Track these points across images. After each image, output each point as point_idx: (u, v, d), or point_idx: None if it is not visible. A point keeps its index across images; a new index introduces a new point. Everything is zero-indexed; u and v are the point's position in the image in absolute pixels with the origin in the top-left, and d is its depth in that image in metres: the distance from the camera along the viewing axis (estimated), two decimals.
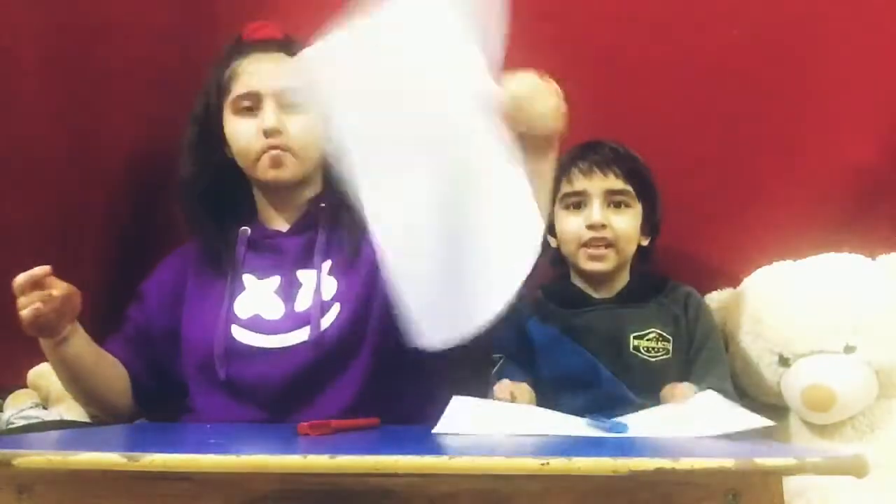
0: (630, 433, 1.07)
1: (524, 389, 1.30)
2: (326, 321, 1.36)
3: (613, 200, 1.44)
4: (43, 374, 1.62)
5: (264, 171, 1.40)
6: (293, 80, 1.25)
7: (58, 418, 1.51)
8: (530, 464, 0.76)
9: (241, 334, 1.37)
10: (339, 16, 1.54)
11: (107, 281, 1.68)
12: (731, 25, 1.61)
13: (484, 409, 1.19)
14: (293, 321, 1.36)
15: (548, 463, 0.75)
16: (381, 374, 1.36)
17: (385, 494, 0.80)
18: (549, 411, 1.23)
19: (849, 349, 1.44)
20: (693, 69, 1.61)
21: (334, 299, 1.37)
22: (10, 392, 1.60)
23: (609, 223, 1.43)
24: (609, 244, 1.43)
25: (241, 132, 1.40)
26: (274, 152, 1.38)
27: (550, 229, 1.50)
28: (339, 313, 1.36)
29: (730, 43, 1.61)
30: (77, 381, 1.39)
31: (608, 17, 1.62)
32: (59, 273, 1.43)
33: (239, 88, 1.40)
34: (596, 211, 1.43)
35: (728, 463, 0.76)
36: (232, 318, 1.37)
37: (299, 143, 1.39)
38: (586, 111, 1.60)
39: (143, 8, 1.64)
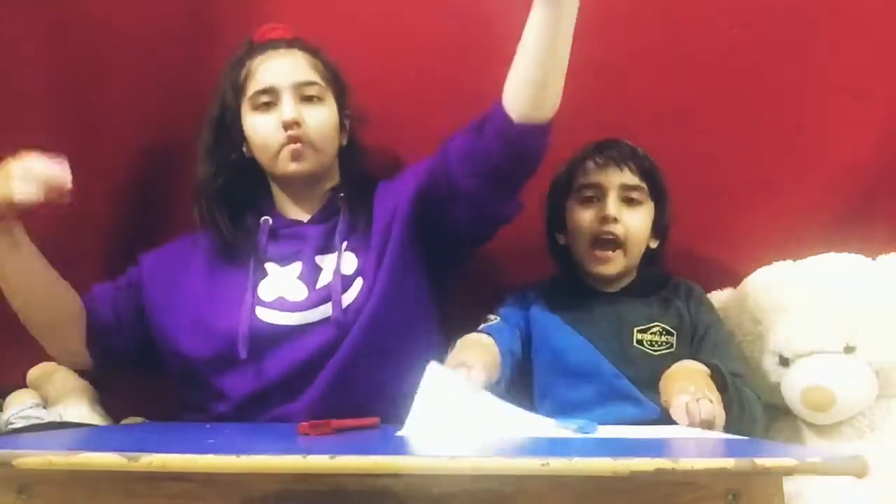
0: (598, 434, 1.06)
1: (483, 359, 1.21)
2: (349, 297, 1.37)
3: (627, 196, 1.44)
4: (43, 374, 1.62)
5: (285, 165, 1.41)
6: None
7: (58, 418, 1.51)
8: (530, 464, 0.76)
9: (264, 314, 1.38)
10: (339, 17, 1.55)
11: (108, 279, 1.68)
12: (731, 25, 1.61)
13: (453, 392, 1.14)
14: (315, 298, 1.37)
15: (548, 463, 0.75)
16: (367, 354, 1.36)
17: (385, 494, 0.80)
18: (518, 409, 1.18)
19: (849, 349, 1.44)
20: (693, 69, 1.62)
21: (356, 274, 1.39)
22: (10, 392, 1.60)
23: (621, 219, 1.43)
24: (618, 245, 1.43)
25: (260, 127, 1.41)
26: (294, 146, 1.39)
27: (560, 226, 1.51)
28: (362, 288, 1.37)
29: (730, 43, 1.61)
30: (20, 292, 1.40)
31: (609, 17, 1.62)
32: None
33: (256, 85, 1.41)
34: (610, 204, 1.43)
35: (728, 463, 0.76)
36: (256, 301, 1.38)
37: (318, 135, 1.41)
38: (587, 111, 1.61)
39: (143, 8, 1.64)
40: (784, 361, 1.47)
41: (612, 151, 1.46)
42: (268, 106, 1.40)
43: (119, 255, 1.68)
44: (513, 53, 1.29)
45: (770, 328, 1.49)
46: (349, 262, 1.40)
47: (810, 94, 1.60)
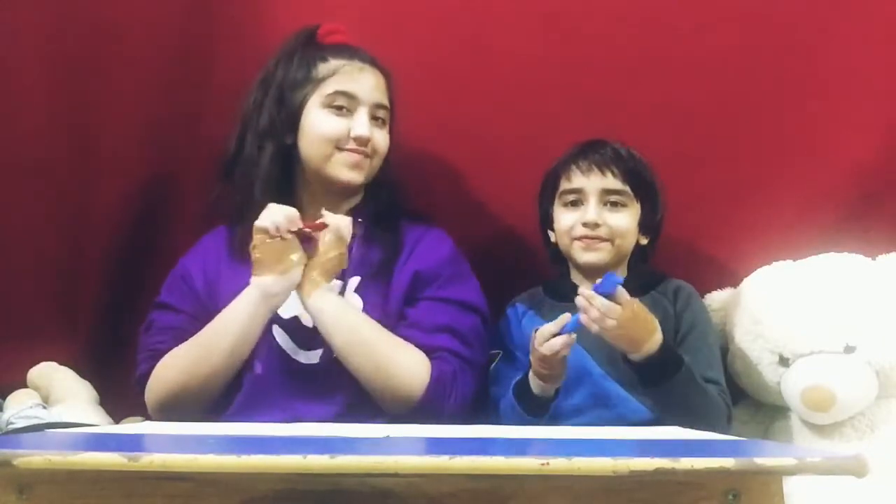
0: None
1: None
2: None
3: (610, 200, 1.45)
4: (43, 374, 1.62)
5: (338, 170, 1.42)
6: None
7: (58, 418, 1.51)
8: (530, 464, 0.76)
9: (280, 336, 1.40)
10: (338, 13, 1.55)
11: (109, 279, 1.68)
12: (731, 25, 1.61)
13: None
14: (319, 338, 1.38)
15: (548, 463, 0.75)
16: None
17: (385, 494, 0.80)
18: None
19: (849, 349, 1.44)
20: (693, 69, 1.62)
21: None
22: (10, 392, 1.61)
23: (604, 222, 1.44)
24: (604, 240, 1.44)
25: (327, 125, 1.41)
26: (358, 157, 1.41)
27: (550, 225, 1.51)
28: None
29: (730, 43, 1.61)
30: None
31: (608, 16, 1.63)
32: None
33: (339, 85, 1.42)
34: (591, 210, 1.44)
35: (728, 463, 0.76)
36: (274, 317, 1.39)
37: (377, 155, 1.44)
38: (586, 111, 1.61)
39: (143, 8, 1.64)
40: (784, 361, 1.47)
41: (595, 156, 1.46)
42: (341, 109, 1.41)
43: (120, 254, 1.68)
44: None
45: (770, 328, 1.49)
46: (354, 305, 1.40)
47: (810, 95, 1.61)
